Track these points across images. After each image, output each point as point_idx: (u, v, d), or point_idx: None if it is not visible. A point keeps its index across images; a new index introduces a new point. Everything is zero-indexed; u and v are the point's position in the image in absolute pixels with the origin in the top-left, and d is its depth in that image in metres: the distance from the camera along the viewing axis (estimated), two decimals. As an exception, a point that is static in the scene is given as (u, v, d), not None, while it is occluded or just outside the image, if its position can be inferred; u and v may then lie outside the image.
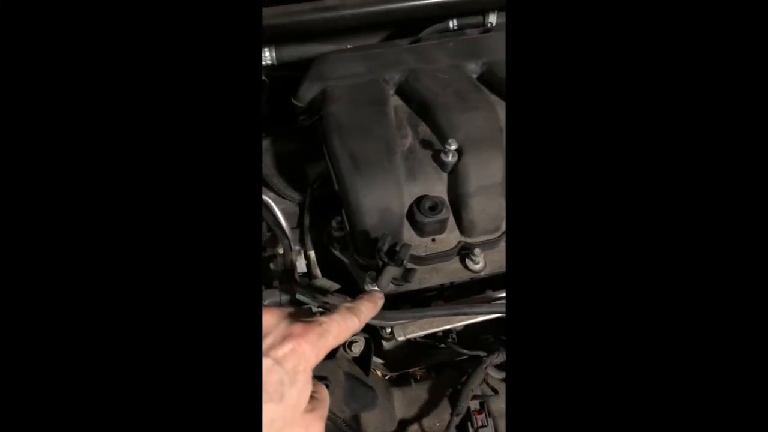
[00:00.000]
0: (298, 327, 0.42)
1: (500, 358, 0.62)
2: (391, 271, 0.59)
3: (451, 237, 0.67)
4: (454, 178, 0.65)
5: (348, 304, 0.48)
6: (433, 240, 0.66)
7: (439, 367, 0.64)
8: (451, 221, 0.67)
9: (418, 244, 0.66)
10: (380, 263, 0.59)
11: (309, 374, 0.41)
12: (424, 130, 0.69)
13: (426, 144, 0.67)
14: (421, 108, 0.71)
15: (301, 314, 0.46)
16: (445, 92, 0.70)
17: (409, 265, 0.64)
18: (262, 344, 0.40)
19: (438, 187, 0.66)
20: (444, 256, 0.66)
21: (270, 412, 0.38)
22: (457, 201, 0.65)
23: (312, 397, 0.42)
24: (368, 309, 0.49)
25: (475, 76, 0.79)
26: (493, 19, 0.92)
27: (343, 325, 0.45)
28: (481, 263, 0.66)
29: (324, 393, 0.46)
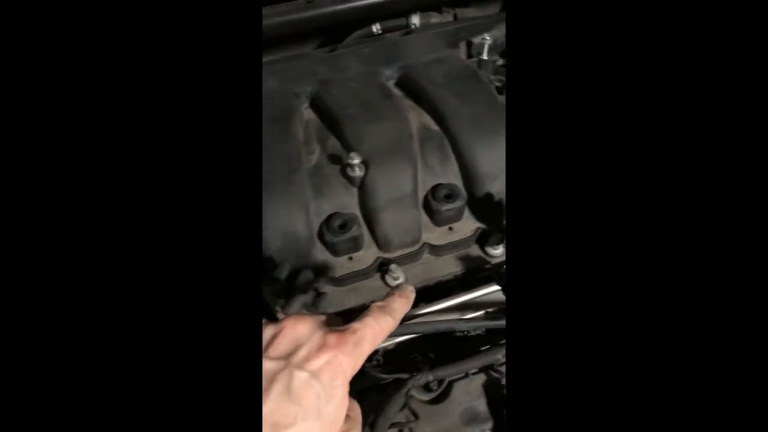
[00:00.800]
0: (332, 337, 0.38)
1: (424, 378, 0.58)
2: (301, 299, 0.56)
3: (368, 254, 0.64)
4: (363, 192, 0.62)
5: (379, 303, 0.45)
6: (350, 258, 0.63)
7: (362, 392, 0.60)
8: (369, 237, 0.64)
9: (333, 264, 0.62)
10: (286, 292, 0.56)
11: (346, 389, 0.38)
12: (333, 143, 0.66)
13: (334, 158, 0.64)
14: (330, 121, 0.68)
15: (332, 321, 0.43)
16: (352, 103, 0.67)
17: (323, 289, 0.61)
18: (297, 355, 0.37)
19: (349, 203, 0.63)
20: (362, 274, 0.62)
21: (307, 429, 0.35)
22: (369, 216, 0.62)
23: (347, 416, 0.39)
24: (401, 305, 0.46)
25: (392, 81, 0.76)
26: (415, 20, 0.89)
27: (377, 329, 0.41)
28: (401, 278, 0.62)
29: (357, 411, 0.43)
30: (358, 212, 0.63)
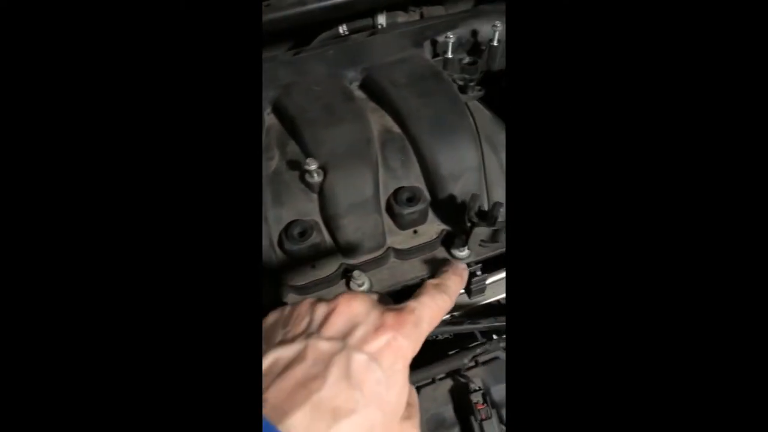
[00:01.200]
0: (390, 316, 0.35)
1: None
2: (260, 308, 0.55)
3: (332, 261, 0.62)
4: (323, 198, 0.61)
5: (434, 281, 0.41)
6: (314, 266, 0.62)
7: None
8: (332, 243, 0.63)
9: (295, 272, 0.61)
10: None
11: (407, 374, 0.35)
12: (293, 149, 0.64)
13: (293, 164, 0.62)
14: (290, 126, 0.66)
15: (383, 300, 0.40)
16: (313, 107, 0.66)
17: (285, 298, 0.60)
18: (354, 336, 0.34)
19: (309, 209, 0.62)
20: (326, 282, 0.61)
21: (368, 418, 0.31)
22: (330, 222, 0.61)
23: (407, 403, 0.36)
24: (456, 283, 0.43)
25: (356, 83, 0.75)
26: (382, 20, 0.88)
27: (435, 308, 0.38)
28: (366, 285, 0.61)
29: (415, 397, 0.39)
30: (319, 219, 0.62)
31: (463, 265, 0.46)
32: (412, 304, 0.37)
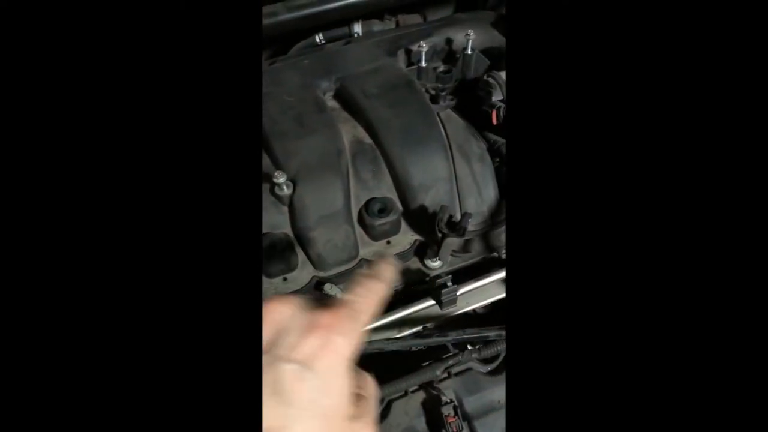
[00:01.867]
0: (322, 316, 0.33)
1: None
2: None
3: (303, 274, 0.62)
4: (293, 210, 0.60)
5: (365, 271, 0.39)
6: (285, 279, 0.62)
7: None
8: (305, 256, 0.62)
9: (267, 286, 0.61)
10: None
11: (347, 372, 0.32)
12: (264, 161, 0.64)
13: (264, 177, 0.62)
14: (262, 138, 0.66)
15: (314, 301, 0.37)
16: (284, 118, 0.66)
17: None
18: (282, 344, 0.31)
19: (280, 222, 0.61)
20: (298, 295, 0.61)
21: (305, 430, 0.29)
22: (300, 235, 0.60)
23: (358, 396, 0.34)
24: (388, 270, 0.40)
25: (330, 93, 0.74)
26: (358, 28, 0.88)
27: (371, 296, 0.36)
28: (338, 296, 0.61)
29: (370, 386, 0.37)
30: (290, 231, 0.61)
31: (390, 259, 0.47)
32: (346, 297, 0.35)
